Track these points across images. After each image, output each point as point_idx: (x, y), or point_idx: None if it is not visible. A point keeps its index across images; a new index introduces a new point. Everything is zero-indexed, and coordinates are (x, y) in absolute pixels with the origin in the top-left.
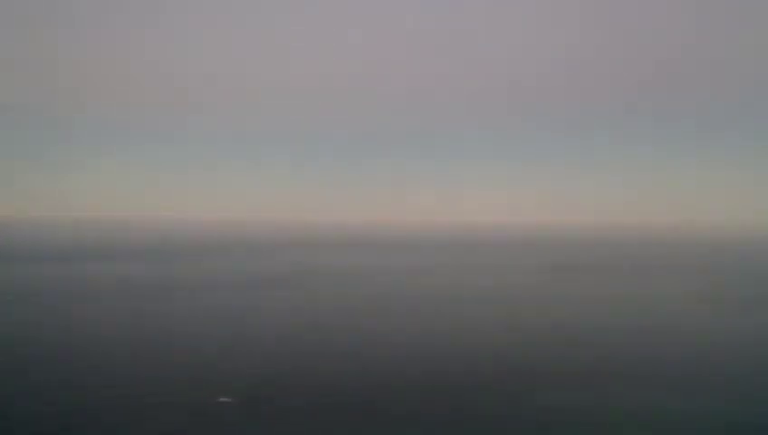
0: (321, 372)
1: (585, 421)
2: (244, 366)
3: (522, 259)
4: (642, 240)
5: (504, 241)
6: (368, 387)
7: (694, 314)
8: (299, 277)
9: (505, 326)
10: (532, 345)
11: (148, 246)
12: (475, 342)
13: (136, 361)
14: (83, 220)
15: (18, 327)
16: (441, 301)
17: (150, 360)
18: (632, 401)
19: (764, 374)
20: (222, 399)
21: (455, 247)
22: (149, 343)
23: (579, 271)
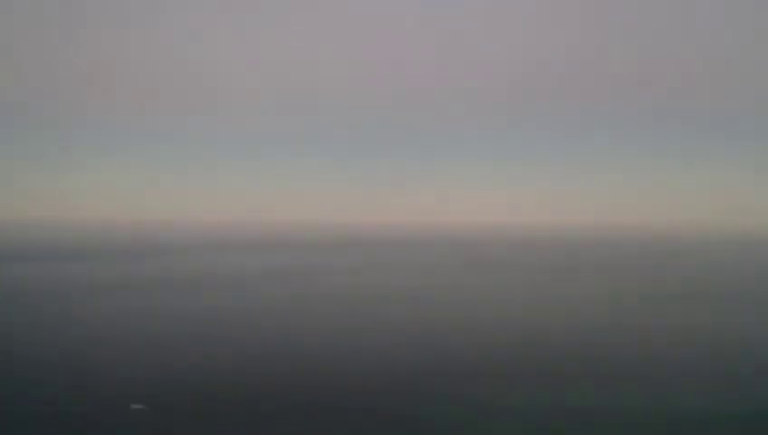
0: (238, 377)
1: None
2: (167, 371)
3: (499, 258)
4: (641, 240)
5: (494, 241)
6: (284, 389)
7: (680, 312)
8: (258, 278)
9: (454, 326)
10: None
11: (135, 247)
12: (409, 342)
13: (50, 365)
14: (83, 221)
15: None
16: (397, 300)
17: (69, 365)
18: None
19: (748, 372)
20: (134, 406)
21: (443, 247)
22: (73, 348)
23: (569, 271)
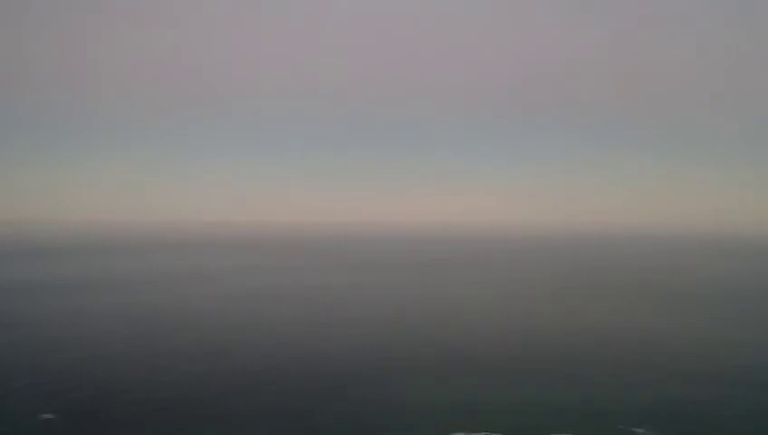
0: (148, 383)
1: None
2: (74, 376)
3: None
4: (639, 239)
5: (480, 239)
6: (191, 391)
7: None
8: (187, 277)
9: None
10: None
11: (94, 247)
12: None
13: None
14: (80, 222)
15: None
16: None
17: None
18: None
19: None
20: (45, 416)
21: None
22: None
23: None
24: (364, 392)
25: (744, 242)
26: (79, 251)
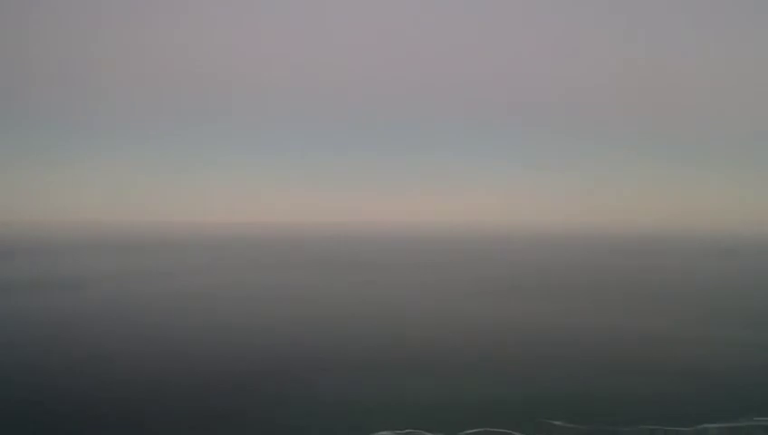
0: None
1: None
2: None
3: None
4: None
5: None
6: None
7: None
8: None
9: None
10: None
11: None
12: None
13: None
14: (80, 223)
15: None
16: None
17: None
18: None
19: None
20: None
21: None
22: None
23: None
24: (364, 392)
25: (744, 242)
26: (79, 251)
